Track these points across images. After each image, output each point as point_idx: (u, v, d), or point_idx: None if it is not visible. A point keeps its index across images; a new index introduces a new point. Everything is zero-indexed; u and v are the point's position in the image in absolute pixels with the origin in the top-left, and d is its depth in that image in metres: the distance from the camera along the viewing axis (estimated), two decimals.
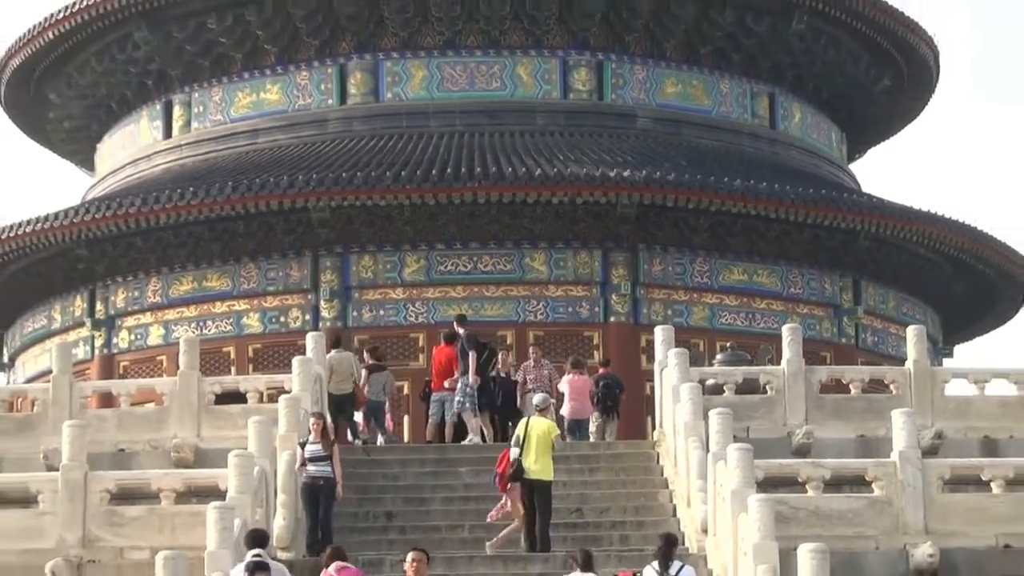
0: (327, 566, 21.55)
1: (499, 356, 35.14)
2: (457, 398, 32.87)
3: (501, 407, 32.73)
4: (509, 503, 26.35)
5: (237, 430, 28.01)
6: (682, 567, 21.56)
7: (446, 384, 33.03)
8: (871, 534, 23.84)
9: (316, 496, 25.29)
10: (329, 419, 27.71)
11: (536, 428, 25.95)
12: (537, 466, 25.72)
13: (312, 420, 26.07)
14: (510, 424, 31.03)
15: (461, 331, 34.40)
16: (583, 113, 48.78)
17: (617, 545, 25.16)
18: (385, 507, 27.79)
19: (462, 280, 44.91)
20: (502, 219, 44.20)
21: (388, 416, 34.31)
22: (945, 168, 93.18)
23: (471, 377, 32.70)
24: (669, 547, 21.73)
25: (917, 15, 52.58)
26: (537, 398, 27.78)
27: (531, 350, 35.90)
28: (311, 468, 25.43)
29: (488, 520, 26.57)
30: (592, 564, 21.99)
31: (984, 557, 23.81)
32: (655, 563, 21.53)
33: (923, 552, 23.39)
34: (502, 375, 33.87)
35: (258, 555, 20.76)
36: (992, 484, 24.60)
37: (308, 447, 25.54)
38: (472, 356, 33.00)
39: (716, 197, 44.04)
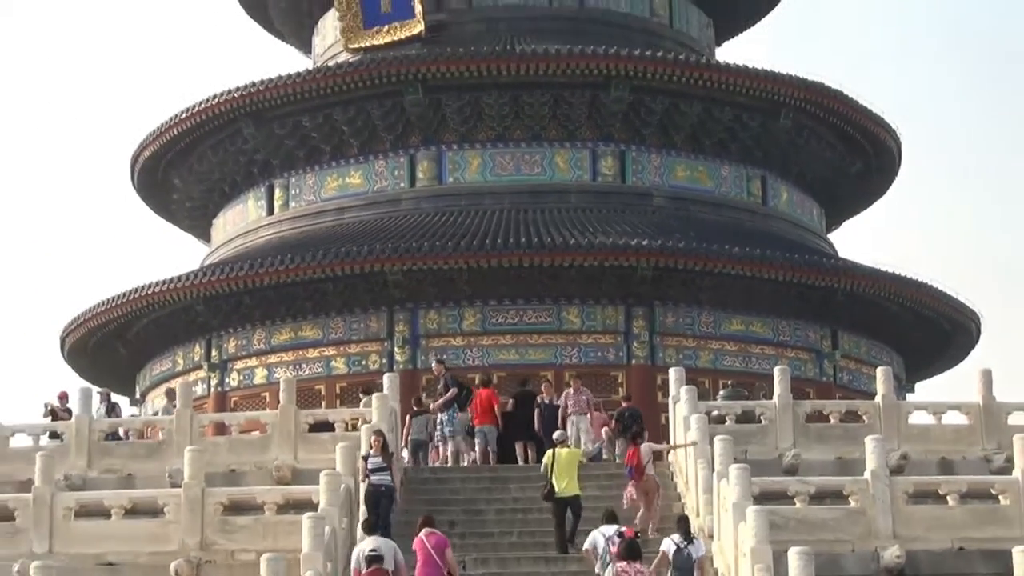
0: (419, 531, 22.09)
1: (543, 386, 35.26)
2: (440, 429, 33.15)
3: (546, 429, 32.59)
4: (635, 492, 26.96)
5: (327, 453, 27.99)
6: (694, 539, 22.13)
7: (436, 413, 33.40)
8: (848, 539, 23.73)
9: (378, 501, 24.94)
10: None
11: (560, 456, 26.34)
12: (567, 486, 26.00)
13: (373, 436, 25.84)
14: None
15: (442, 370, 34.44)
16: (609, 193, 48.77)
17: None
18: (448, 516, 27.65)
19: (510, 330, 44.94)
20: (543, 280, 44.20)
21: (437, 451, 33.92)
22: (907, 236, 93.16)
23: (439, 409, 33.38)
24: (686, 525, 22.34)
25: (882, 109, 52.66)
26: (556, 435, 28.27)
27: (571, 381, 35.85)
28: (373, 478, 25.14)
29: (624, 506, 26.68)
30: (616, 519, 23.31)
31: (942, 558, 23.68)
32: (675, 536, 21.99)
33: (891, 554, 23.27)
34: (546, 402, 33.87)
35: (374, 550, 21.04)
36: (948, 497, 24.47)
37: (370, 460, 25.32)
38: (452, 393, 33.42)
39: (718, 262, 44.11)
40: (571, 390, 34.13)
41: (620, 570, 20.81)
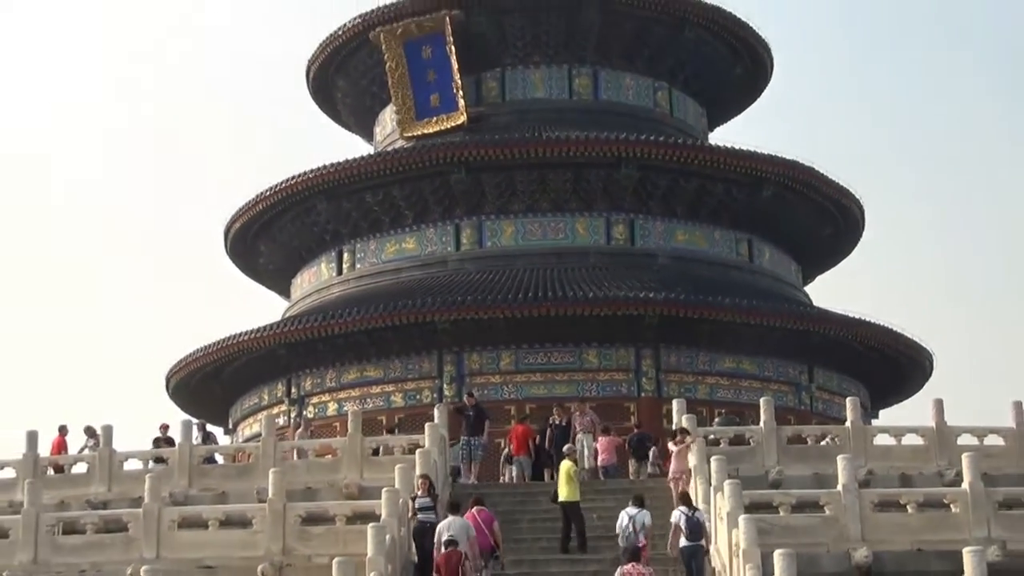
0: (471, 508, 23.42)
1: (555, 409, 34.90)
2: (461, 452, 32.51)
3: (557, 445, 32.34)
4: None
5: (387, 473, 27.86)
6: (696, 510, 23.34)
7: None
8: (824, 542, 23.50)
9: (424, 536, 23.90)
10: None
11: (563, 468, 26.76)
12: (566, 493, 26.19)
13: (420, 480, 25.04)
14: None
15: (473, 402, 34.14)
16: (620, 254, 48.75)
17: (648, 552, 24.83)
18: None
19: (540, 369, 44.88)
20: (566, 327, 44.13)
21: (472, 471, 33.52)
22: (870, 287, 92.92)
23: (475, 437, 32.76)
24: (688, 499, 23.68)
25: (848, 182, 52.55)
26: (565, 448, 28.66)
27: (577, 405, 35.52)
28: (420, 516, 24.20)
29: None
30: (643, 503, 24.34)
31: (903, 558, 23.47)
32: (681, 508, 23.23)
33: (861, 554, 23.08)
34: (557, 422, 33.50)
35: (452, 536, 22.12)
36: (908, 506, 24.30)
37: (418, 500, 24.38)
38: (487, 425, 33.20)
39: (713, 311, 44.06)
40: (578, 412, 33.96)
41: (625, 572, 20.82)
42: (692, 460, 27.49)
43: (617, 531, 23.97)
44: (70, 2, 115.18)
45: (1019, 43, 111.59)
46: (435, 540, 22.74)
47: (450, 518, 22.95)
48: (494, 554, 23.58)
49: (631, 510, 23.90)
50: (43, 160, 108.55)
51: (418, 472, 25.81)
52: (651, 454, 33.41)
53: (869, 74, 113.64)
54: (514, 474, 33.40)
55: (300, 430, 37.36)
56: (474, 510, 23.47)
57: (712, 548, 24.02)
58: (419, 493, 24.59)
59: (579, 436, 32.67)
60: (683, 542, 22.90)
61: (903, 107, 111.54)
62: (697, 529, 22.95)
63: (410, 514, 24.63)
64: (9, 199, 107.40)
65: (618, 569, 21.29)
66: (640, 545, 22.34)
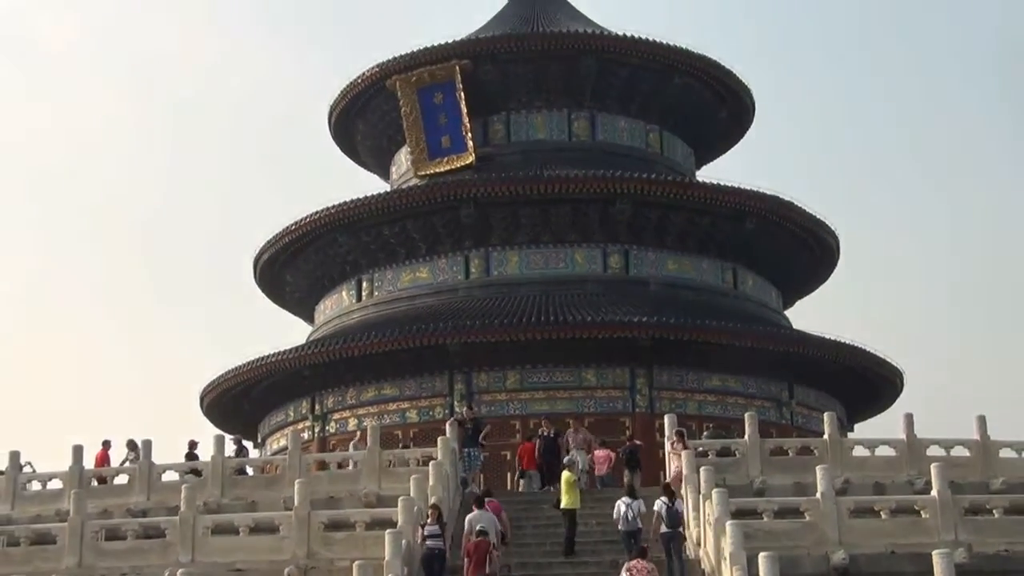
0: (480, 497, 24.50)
1: (543, 421, 34.66)
2: (464, 463, 31.95)
3: (544, 456, 32.19)
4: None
5: (404, 483, 27.85)
6: (676, 499, 24.16)
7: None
8: (805, 546, 23.48)
9: (432, 562, 23.23)
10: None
11: (564, 478, 26.94)
12: (566, 501, 26.36)
13: (429, 509, 24.18)
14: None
15: (471, 415, 33.88)
16: (616, 282, 48.74)
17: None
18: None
19: (542, 387, 44.85)
20: (567, 349, 44.07)
21: (478, 480, 33.25)
22: (845, 311, 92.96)
23: (472, 448, 32.45)
24: (670, 491, 24.39)
25: (824, 215, 52.59)
26: (566, 459, 28.90)
27: (572, 422, 35.36)
28: (428, 542, 23.33)
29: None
30: (634, 493, 25.16)
31: (877, 560, 23.43)
32: (663, 498, 23.97)
33: (838, 557, 23.04)
34: (545, 434, 33.23)
35: (482, 527, 22.82)
36: (881, 512, 24.26)
37: (427, 528, 23.51)
38: (487, 430, 33.06)
39: (701, 334, 44.00)
40: (572, 430, 33.84)
41: (630, 566, 20.87)
42: (684, 464, 27.55)
43: (615, 517, 24.57)
44: (116, 50, 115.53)
45: (994, 75, 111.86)
46: (466, 529, 23.48)
47: (479, 511, 23.65)
48: (502, 540, 24.17)
49: (626, 499, 24.57)
50: (98, 204, 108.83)
51: (430, 500, 25.40)
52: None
53: (850, 106, 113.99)
54: (525, 486, 33.33)
55: (356, 440, 37.58)
56: (484, 500, 24.22)
57: (700, 551, 23.99)
58: (428, 521, 23.73)
59: (572, 451, 32.50)
60: (663, 528, 23.69)
61: (881, 137, 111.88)
62: (675, 518, 23.68)
63: (419, 541, 23.74)
64: (63, 223, 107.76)
65: (625, 564, 21.33)
66: (644, 546, 22.31)
